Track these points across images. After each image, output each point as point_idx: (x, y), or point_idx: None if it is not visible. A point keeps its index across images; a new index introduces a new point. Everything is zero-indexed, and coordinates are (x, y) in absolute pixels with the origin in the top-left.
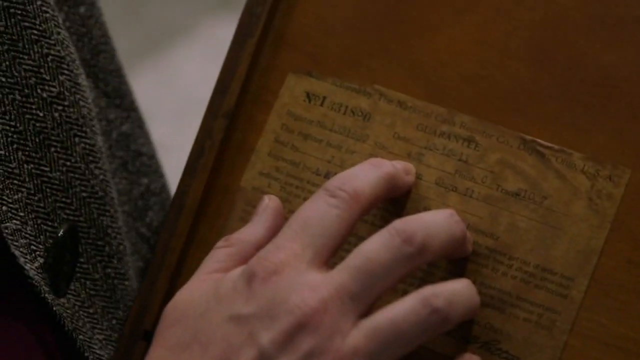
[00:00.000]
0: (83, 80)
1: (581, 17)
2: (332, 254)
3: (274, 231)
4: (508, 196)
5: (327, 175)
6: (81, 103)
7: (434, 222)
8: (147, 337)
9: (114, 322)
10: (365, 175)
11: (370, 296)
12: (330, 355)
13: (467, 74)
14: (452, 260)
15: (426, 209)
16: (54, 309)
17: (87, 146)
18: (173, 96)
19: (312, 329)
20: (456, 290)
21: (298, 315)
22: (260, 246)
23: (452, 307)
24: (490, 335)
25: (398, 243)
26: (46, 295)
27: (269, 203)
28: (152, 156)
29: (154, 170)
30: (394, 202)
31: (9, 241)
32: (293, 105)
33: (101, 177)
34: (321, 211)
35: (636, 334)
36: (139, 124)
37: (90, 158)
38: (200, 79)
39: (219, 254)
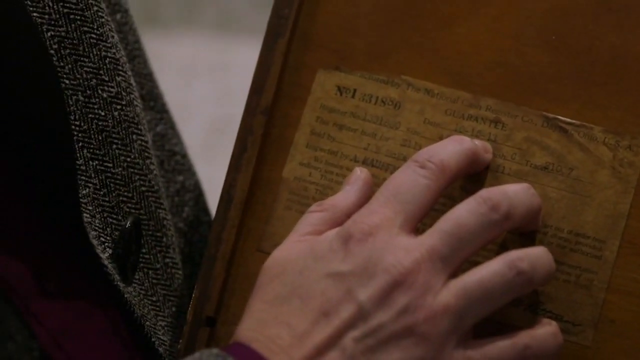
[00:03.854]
0: (133, 81)
1: (587, 4)
2: (420, 221)
3: (364, 200)
4: (537, 170)
5: (365, 162)
6: (135, 102)
7: (516, 193)
8: (210, 323)
9: (174, 309)
10: (451, 149)
11: (458, 258)
12: (423, 311)
13: (487, 61)
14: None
15: (462, 187)
16: (125, 296)
17: (143, 143)
18: None
19: (406, 287)
20: (538, 255)
21: (394, 274)
22: (350, 213)
23: (535, 270)
24: (534, 297)
25: (485, 210)
26: (118, 283)
27: (361, 174)
28: (184, 155)
29: (187, 168)
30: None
31: (88, 231)
32: (325, 99)
33: (155, 172)
34: (411, 180)
35: None
36: (171, 125)
37: (146, 154)
38: None
39: (313, 217)
